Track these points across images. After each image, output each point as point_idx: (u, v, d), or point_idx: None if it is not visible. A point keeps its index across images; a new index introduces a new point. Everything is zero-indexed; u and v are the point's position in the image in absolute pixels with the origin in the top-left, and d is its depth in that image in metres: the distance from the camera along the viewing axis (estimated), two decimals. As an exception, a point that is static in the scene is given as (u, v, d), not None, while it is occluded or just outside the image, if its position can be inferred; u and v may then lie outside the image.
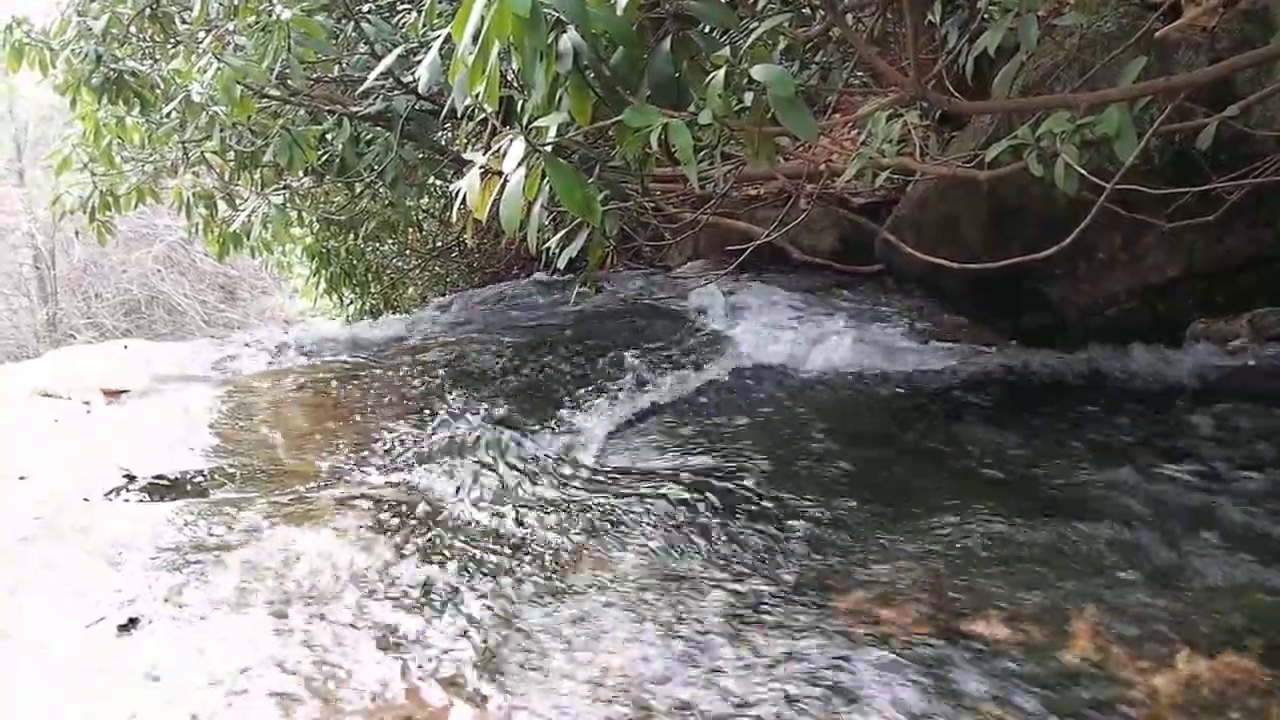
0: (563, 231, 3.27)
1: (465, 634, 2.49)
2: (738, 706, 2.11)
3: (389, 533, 3.13)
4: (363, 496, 3.48)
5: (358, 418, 4.56)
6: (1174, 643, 2.15)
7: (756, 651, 2.30)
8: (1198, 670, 2.06)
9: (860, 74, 4.66)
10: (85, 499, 3.54)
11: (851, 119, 3.72)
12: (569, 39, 2.16)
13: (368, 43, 4.96)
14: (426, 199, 8.18)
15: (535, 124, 2.34)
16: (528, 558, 2.93)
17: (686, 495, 3.30)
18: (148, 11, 5.46)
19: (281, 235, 6.97)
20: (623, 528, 3.10)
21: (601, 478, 3.61)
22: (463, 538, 3.10)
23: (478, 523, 3.22)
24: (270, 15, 4.36)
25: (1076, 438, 3.54)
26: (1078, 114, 2.75)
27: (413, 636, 2.49)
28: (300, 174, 6.33)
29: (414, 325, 7.23)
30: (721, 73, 2.29)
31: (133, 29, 5.62)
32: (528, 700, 2.21)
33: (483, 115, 4.11)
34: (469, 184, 2.42)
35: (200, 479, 3.78)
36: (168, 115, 5.40)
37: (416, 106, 5.09)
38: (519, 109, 2.84)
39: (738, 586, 2.64)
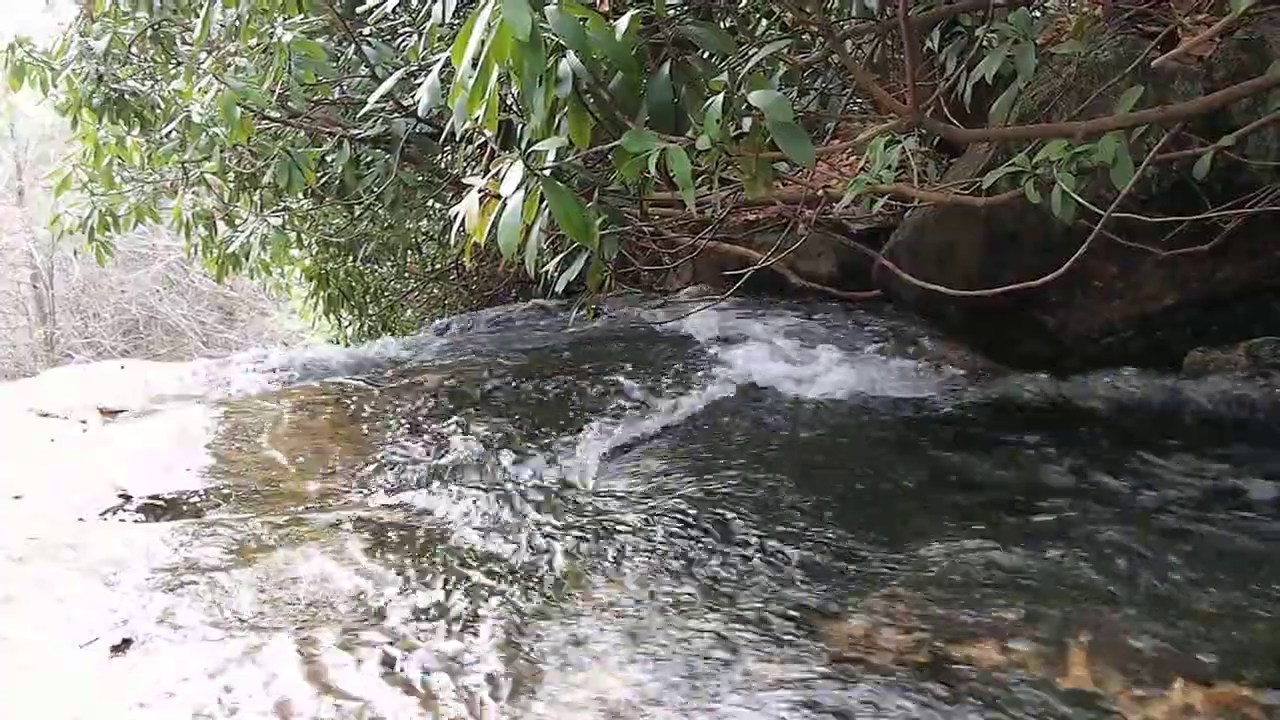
0: (561, 255, 3.28)
1: (462, 656, 2.49)
2: (732, 732, 2.11)
3: (385, 555, 3.13)
4: (359, 519, 3.48)
5: (355, 439, 4.56)
6: (1170, 671, 2.15)
7: (751, 676, 2.30)
8: (1193, 699, 2.05)
9: (859, 100, 4.68)
10: (80, 519, 3.53)
11: (850, 145, 3.74)
12: (568, 64, 2.18)
13: (368, 65, 4.99)
14: (425, 222, 8.22)
15: (534, 148, 2.35)
16: (524, 581, 2.92)
17: (683, 520, 3.30)
18: (149, 32, 5.49)
19: (280, 257, 7.00)
20: (620, 552, 3.10)
21: (599, 502, 3.61)
22: (459, 561, 3.09)
23: (475, 546, 3.22)
24: (271, 37, 4.38)
25: (1073, 465, 3.53)
26: (1075, 142, 2.77)
27: (410, 658, 2.49)
28: (299, 196, 6.36)
29: (412, 347, 7.23)
30: (720, 98, 2.30)
31: (134, 49, 5.66)
32: (522, 724, 2.20)
33: (482, 139, 4.13)
34: (468, 207, 2.43)
35: (196, 499, 3.77)
36: (168, 136, 5.43)
37: (416, 129, 5.12)
38: (518, 133, 2.85)
39: (733, 611, 2.64)
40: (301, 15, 4.71)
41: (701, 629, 2.55)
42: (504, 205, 2.31)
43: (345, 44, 5.25)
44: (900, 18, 2.77)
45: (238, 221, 6.60)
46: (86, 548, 3.23)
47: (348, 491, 3.88)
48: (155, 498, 3.75)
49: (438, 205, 7.17)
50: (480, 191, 2.42)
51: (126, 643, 2.61)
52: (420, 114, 4.64)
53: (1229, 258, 3.78)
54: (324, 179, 5.43)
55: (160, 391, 5.59)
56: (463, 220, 2.45)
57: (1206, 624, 2.38)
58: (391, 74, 4.37)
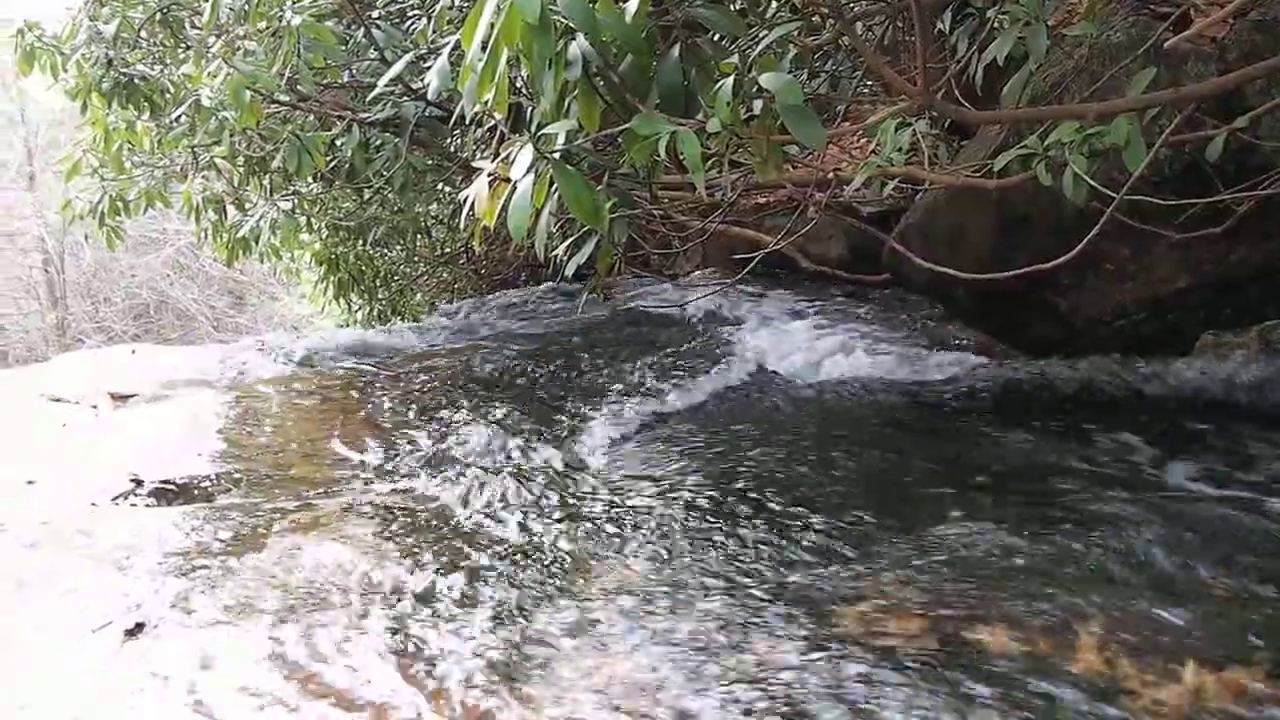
0: (571, 239, 3.27)
1: (472, 641, 2.49)
2: (742, 716, 2.11)
3: (396, 539, 3.13)
4: (370, 503, 3.48)
5: (365, 424, 4.57)
6: (1180, 655, 2.14)
7: (761, 661, 2.30)
8: (1204, 683, 2.05)
9: (870, 83, 4.66)
10: (93, 504, 3.55)
11: (860, 127, 3.73)
12: (578, 46, 2.17)
13: (377, 49, 4.98)
14: (435, 205, 8.22)
15: (544, 131, 2.35)
16: (534, 565, 2.93)
17: (692, 503, 3.30)
18: (158, 16, 5.48)
19: (290, 241, 7.00)
20: (628, 535, 3.10)
21: (607, 485, 3.61)
22: (470, 545, 3.09)
23: (485, 530, 3.22)
24: (280, 21, 4.37)
25: (1084, 449, 3.53)
26: (1087, 124, 2.75)
27: (420, 643, 2.49)
28: (309, 180, 6.35)
29: (421, 332, 7.23)
30: (730, 81, 2.29)
31: (143, 34, 5.64)
32: (534, 708, 2.20)
33: (492, 122, 4.13)
34: (477, 191, 2.42)
35: (207, 484, 3.78)
36: (177, 120, 5.42)
37: (426, 113, 5.11)
38: (528, 116, 2.85)
39: (743, 595, 2.64)
40: (310, -1, 4.70)
41: (710, 612, 2.55)
42: (514, 189, 2.30)
43: (354, 27, 5.24)
44: (911, -1, 2.75)
45: (247, 206, 6.60)
46: (98, 533, 3.24)
47: (357, 476, 3.89)
48: (166, 483, 3.76)
49: (447, 189, 7.17)
50: (490, 175, 2.42)
51: (139, 627, 2.62)
52: (430, 97, 4.64)
53: (1242, 240, 3.76)
54: (333, 163, 5.43)
55: (171, 376, 5.60)
56: (472, 204, 2.44)
57: (1218, 608, 2.38)
58: (401, 57, 4.35)
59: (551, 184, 2.29)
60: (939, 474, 3.51)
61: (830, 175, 4.29)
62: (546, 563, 2.94)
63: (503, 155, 2.44)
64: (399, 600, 2.73)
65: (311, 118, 5.31)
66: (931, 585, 2.59)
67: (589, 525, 3.20)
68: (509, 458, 3.93)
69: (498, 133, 3.85)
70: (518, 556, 2.99)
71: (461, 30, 2.16)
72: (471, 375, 5.31)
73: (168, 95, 5.57)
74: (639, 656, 2.37)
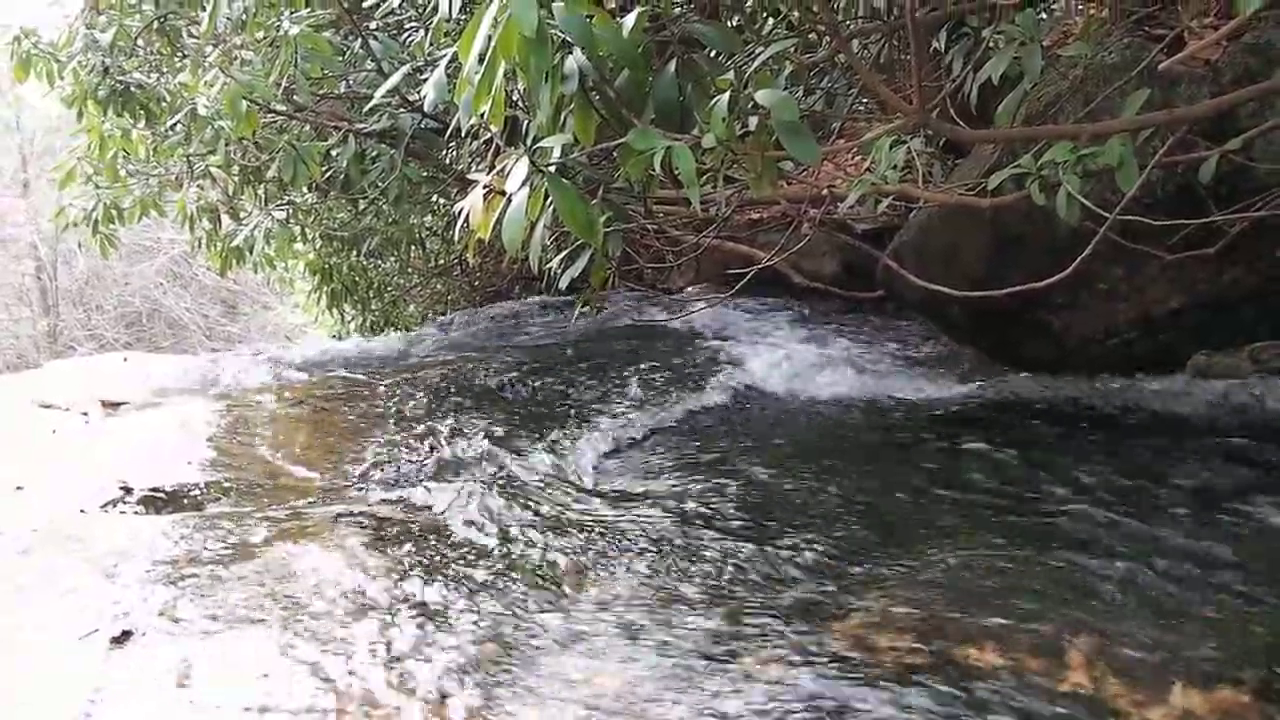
0: (565, 252, 3.28)
1: (461, 653, 2.48)
2: (731, 731, 2.11)
3: (386, 550, 3.13)
4: (360, 513, 3.47)
5: (356, 434, 4.56)
6: (1169, 675, 2.14)
7: (750, 675, 2.29)
8: (1192, 703, 2.05)
9: (865, 100, 4.68)
10: (82, 510, 3.53)
11: (855, 144, 3.74)
12: (575, 60, 2.18)
13: (374, 60, 4.99)
14: (430, 217, 8.24)
15: (539, 144, 2.35)
16: (523, 577, 2.92)
17: (683, 518, 3.29)
18: (155, 25, 5.50)
19: (284, 251, 7.02)
20: (619, 549, 3.09)
21: (598, 499, 3.61)
22: (459, 556, 3.09)
23: (475, 542, 3.21)
24: (278, 31, 4.38)
25: (1075, 468, 3.53)
26: (1080, 144, 2.76)
27: (409, 654, 2.49)
28: (304, 190, 6.37)
29: (414, 343, 7.23)
30: (726, 97, 2.30)
31: (140, 42, 5.66)
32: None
33: (487, 135, 4.14)
34: (472, 203, 2.43)
35: (197, 492, 3.77)
36: (173, 128, 5.43)
37: (422, 125, 5.12)
38: (523, 129, 2.86)
39: (733, 610, 2.64)
40: (308, 9, 4.71)
41: (699, 626, 2.55)
42: (509, 201, 2.31)
43: (351, 38, 5.25)
44: (907, 18, 2.77)
45: (242, 215, 6.61)
46: (88, 540, 3.23)
47: (347, 486, 3.88)
48: (156, 490, 3.75)
49: (442, 201, 7.19)
50: (485, 187, 2.42)
51: (126, 635, 2.61)
52: (426, 109, 4.66)
53: (1235, 261, 3.78)
54: (329, 173, 5.44)
55: (162, 384, 5.59)
56: (467, 216, 2.45)
57: (1206, 628, 2.38)
58: (397, 69, 4.36)
59: (546, 197, 2.29)
60: (928, 490, 3.51)
61: (825, 192, 4.30)
62: (535, 574, 2.94)
63: (498, 168, 2.44)
64: (387, 610, 2.72)
65: (307, 128, 5.31)
66: (921, 602, 2.59)
67: (578, 537, 3.19)
68: (499, 468, 3.92)
69: (493, 145, 3.86)
70: (507, 568, 2.99)
71: (459, 43, 2.17)
72: (463, 387, 5.30)
73: (164, 104, 5.58)
74: (629, 669, 2.36)
